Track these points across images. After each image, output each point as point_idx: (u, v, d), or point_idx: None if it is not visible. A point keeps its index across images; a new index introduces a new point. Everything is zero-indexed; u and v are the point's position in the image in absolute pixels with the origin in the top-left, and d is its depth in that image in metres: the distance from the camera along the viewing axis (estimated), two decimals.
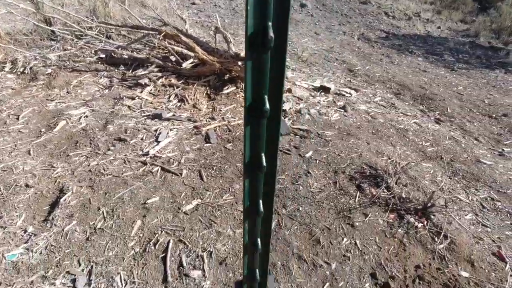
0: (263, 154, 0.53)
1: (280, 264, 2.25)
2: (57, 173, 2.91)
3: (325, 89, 5.16)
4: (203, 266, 2.18)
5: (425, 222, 2.75)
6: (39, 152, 3.17)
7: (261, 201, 0.60)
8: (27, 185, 2.75)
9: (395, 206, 2.86)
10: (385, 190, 2.96)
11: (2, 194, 2.66)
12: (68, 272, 2.10)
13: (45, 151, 3.18)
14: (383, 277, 2.26)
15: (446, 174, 3.58)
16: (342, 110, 4.57)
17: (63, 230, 2.39)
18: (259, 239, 0.67)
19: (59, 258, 2.19)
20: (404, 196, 3.00)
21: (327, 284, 2.15)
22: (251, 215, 0.62)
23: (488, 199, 3.18)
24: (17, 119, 3.61)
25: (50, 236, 2.34)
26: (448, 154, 3.91)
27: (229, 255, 2.27)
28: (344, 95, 5.18)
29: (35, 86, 4.34)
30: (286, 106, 4.32)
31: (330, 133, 3.86)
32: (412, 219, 2.76)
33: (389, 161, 3.45)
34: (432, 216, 2.81)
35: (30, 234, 2.35)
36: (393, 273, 2.29)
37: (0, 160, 3.02)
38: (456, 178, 3.57)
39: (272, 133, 0.54)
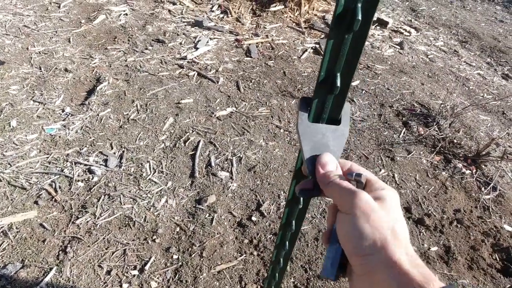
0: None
1: None
2: (94, 63, 2.86)
3: (382, 23, 4.59)
4: (231, 169, 2.13)
5: (474, 170, 2.50)
6: (79, 41, 3.10)
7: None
8: (66, 70, 2.74)
9: (443, 149, 2.60)
10: (436, 130, 2.68)
11: (42, 74, 2.66)
12: (101, 152, 2.13)
13: (84, 41, 3.11)
14: (418, 213, 2.11)
15: (506, 130, 3.18)
16: (398, 47, 4.07)
17: (98, 115, 2.39)
18: None
19: (93, 139, 2.21)
20: (455, 141, 2.71)
21: None
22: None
23: None
24: (58, 7, 3.52)
25: (86, 118, 2.35)
26: None
27: (259, 164, 2.19)
28: (402, 33, 4.60)
29: None
30: None
31: (381, 67, 3.48)
32: (460, 165, 2.51)
33: (443, 105, 3.08)
34: (483, 166, 2.54)
35: (68, 113, 2.37)
36: (430, 211, 2.13)
37: (41, 43, 2.99)
38: None
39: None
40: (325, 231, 0.49)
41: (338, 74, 0.47)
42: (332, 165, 0.48)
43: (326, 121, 0.52)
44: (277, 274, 0.97)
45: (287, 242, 0.82)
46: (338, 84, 0.47)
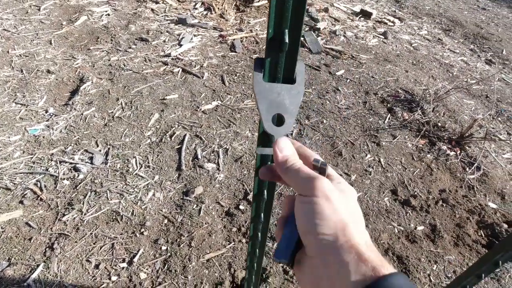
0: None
1: None
2: (77, 64, 2.84)
3: (365, 14, 4.63)
4: (218, 161, 2.14)
5: (458, 152, 2.54)
6: (60, 43, 3.08)
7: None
8: (48, 71, 2.71)
9: (428, 133, 2.64)
10: (420, 114, 2.71)
11: (24, 76, 2.64)
12: (86, 150, 2.12)
13: (66, 43, 3.08)
14: (404, 194, 2.14)
15: (489, 113, 3.24)
16: (382, 37, 4.12)
17: (82, 114, 2.37)
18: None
19: (78, 138, 2.20)
20: (439, 124, 2.75)
21: None
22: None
23: None
24: (39, 10, 3.49)
25: (70, 118, 2.33)
26: (495, 95, 3.52)
27: (245, 154, 2.20)
28: (386, 23, 4.65)
29: None
30: (320, 25, 3.92)
31: (365, 57, 3.51)
32: (444, 147, 2.55)
33: (427, 90, 3.13)
34: (467, 147, 2.59)
35: (51, 114, 2.35)
36: (416, 193, 2.16)
37: (22, 46, 2.96)
38: (500, 119, 3.24)
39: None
40: (280, 217, 0.47)
41: (286, 31, 0.48)
42: (289, 149, 0.47)
43: (282, 81, 0.53)
44: (257, 250, 0.98)
45: (261, 214, 0.83)
46: (286, 40, 0.48)
